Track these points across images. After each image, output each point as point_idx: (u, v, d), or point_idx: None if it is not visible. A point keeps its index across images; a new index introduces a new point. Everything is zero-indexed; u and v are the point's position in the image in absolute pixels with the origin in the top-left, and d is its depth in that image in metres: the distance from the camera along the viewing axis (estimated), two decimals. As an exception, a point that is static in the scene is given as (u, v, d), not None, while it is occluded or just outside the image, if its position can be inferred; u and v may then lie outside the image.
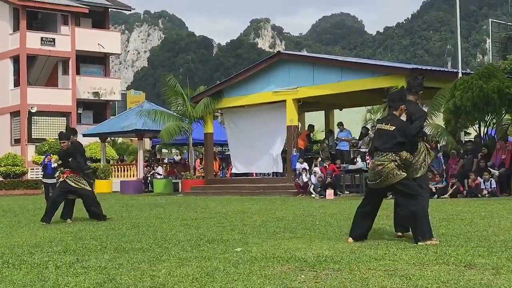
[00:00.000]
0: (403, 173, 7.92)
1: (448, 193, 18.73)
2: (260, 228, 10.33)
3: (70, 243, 8.68)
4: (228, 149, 31.20)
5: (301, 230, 9.82)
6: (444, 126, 21.19)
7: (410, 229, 8.07)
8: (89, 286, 5.46)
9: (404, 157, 7.93)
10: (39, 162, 33.74)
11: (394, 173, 7.88)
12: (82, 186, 12.99)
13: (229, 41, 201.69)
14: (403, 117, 8.14)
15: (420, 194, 7.96)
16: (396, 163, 7.90)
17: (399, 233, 8.48)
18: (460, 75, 22.70)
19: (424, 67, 25.12)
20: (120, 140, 46.44)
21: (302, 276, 5.69)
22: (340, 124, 25.51)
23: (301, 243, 8.21)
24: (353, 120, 39.02)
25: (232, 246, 7.96)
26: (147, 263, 6.65)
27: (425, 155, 8.25)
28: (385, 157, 7.95)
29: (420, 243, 7.63)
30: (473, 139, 22.43)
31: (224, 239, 8.82)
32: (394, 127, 7.95)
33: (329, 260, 6.51)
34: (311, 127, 28.38)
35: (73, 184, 12.88)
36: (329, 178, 21.80)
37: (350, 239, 8.13)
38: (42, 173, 24.39)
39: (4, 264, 6.89)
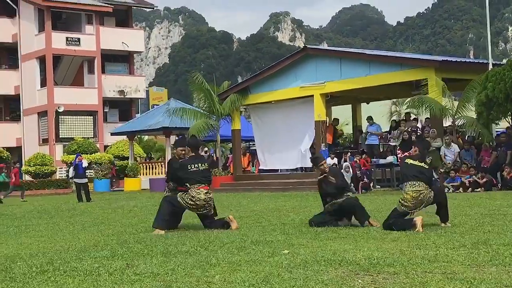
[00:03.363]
0: None
1: (481, 187, 18.56)
2: (301, 228, 10.30)
3: (115, 247, 8.70)
4: (255, 144, 31.21)
5: (343, 229, 9.76)
6: (476, 118, 21.00)
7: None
8: (147, 294, 5.46)
9: None
10: (68, 162, 34.07)
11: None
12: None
13: (249, 35, 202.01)
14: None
15: None
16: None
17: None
18: (490, 66, 22.47)
19: (453, 59, 24.92)
20: (146, 137, 46.68)
21: (359, 281, 5.65)
22: (370, 118, 25.38)
23: (347, 243, 8.17)
24: (378, 112, 38.87)
25: (279, 248, 7.92)
26: (198, 268, 6.64)
27: None
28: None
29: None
30: (505, 130, 22.20)
31: (268, 240, 8.79)
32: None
33: (382, 263, 6.46)
34: (336, 120, 28.29)
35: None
36: (359, 173, 21.72)
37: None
38: (73, 173, 24.57)
39: (56, 271, 6.91)
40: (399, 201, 9.62)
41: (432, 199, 9.53)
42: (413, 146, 10.46)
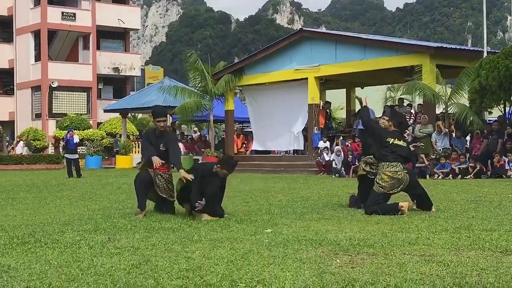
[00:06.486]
0: None
1: (471, 174, 18.61)
2: (287, 208, 10.31)
3: (99, 222, 8.70)
4: (248, 126, 31.17)
5: (328, 211, 9.79)
6: (468, 106, 21.00)
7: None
8: (125, 267, 5.45)
9: None
10: (61, 137, 34.00)
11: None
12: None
13: (247, 17, 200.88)
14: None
15: None
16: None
17: None
18: (485, 54, 22.43)
19: (448, 46, 24.86)
20: (140, 115, 46.57)
21: (337, 260, 5.65)
22: (363, 102, 25.27)
23: (330, 224, 8.19)
24: (374, 97, 38.79)
25: (262, 227, 7.93)
26: (179, 244, 6.64)
27: None
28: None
29: None
30: (497, 118, 22.23)
31: (252, 219, 8.80)
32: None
33: (362, 244, 6.47)
34: (328, 103, 28.17)
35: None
36: (350, 157, 21.74)
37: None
38: (64, 148, 24.52)
39: (37, 242, 6.90)
40: (376, 181, 9.47)
41: (408, 181, 9.38)
42: (383, 118, 10.04)
